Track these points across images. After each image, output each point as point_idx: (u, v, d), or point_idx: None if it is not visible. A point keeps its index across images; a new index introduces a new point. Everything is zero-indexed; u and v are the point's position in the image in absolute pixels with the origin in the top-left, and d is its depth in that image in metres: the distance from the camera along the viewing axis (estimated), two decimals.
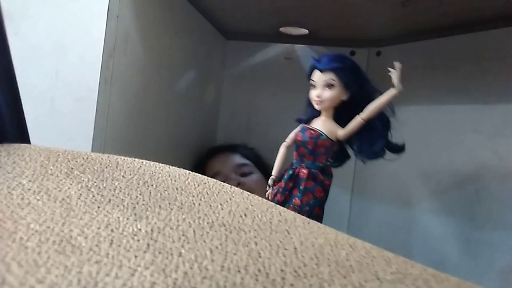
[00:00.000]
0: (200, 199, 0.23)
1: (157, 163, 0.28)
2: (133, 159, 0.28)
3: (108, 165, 0.24)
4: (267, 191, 0.48)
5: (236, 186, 0.81)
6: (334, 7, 0.78)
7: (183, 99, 0.85)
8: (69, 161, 0.23)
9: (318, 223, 0.24)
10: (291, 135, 0.49)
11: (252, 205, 0.24)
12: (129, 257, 0.15)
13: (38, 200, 0.18)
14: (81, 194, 0.20)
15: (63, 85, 0.58)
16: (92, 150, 0.58)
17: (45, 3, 0.59)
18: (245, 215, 0.22)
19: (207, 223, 0.20)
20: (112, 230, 0.17)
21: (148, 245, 0.16)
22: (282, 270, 0.16)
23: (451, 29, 0.80)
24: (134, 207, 0.20)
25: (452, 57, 0.81)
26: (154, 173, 0.25)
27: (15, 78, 0.26)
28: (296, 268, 0.16)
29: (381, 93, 0.47)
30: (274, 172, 0.48)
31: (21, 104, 0.26)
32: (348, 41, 0.95)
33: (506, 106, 0.70)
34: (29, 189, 0.19)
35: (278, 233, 0.20)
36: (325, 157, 0.45)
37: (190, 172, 0.27)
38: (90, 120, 0.58)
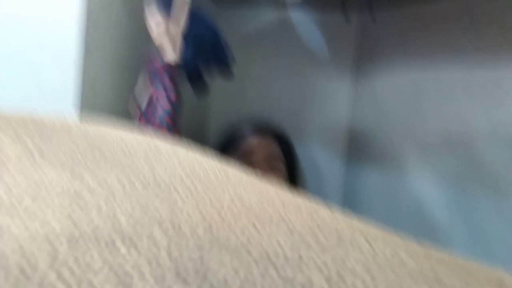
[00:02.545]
0: (146, 162, 0.24)
1: (120, 128, 0.29)
2: (96, 124, 0.29)
3: (61, 130, 0.25)
4: None
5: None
6: None
7: None
8: (19, 126, 0.24)
9: (273, 186, 0.24)
10: None
11: (201, 166, 0.25)
12: (47, 212, 0.16)
13: None
14: (21, 157, 0.20)
15: (48, 56, 0.59)
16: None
17: None
18: (187, 175, 0.23)
19: (143, 183, 0.20)
20: (40, 189, 0.18)
21: (72, 202, 0.17)
22: (197, 225, 0.17)
23: None
24: (73, 168, 0.21)
25: (445, 20, 0.79)
26: (106, 138, 0.26)
27: None
28: (213, 223, 0.17)
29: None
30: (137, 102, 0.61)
31: None
32: (343, 7, 0.93)
33: (497, 70, 0.69)
34: None
35: (212, 192, 0.21)
36: (167, 77, 0.57)
37: (150, 137, 0.28)
38: (78, 89, 0.58)
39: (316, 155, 1.01)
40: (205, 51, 0.59)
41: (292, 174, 0.86)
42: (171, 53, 0.56)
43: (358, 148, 0.97)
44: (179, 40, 0.56)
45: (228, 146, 0.86)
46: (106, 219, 0.16)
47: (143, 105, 0.59)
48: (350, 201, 0.99)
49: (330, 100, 0.99)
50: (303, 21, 0.98)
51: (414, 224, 0.83)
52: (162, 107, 0.56)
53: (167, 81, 0.57)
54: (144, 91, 0.61)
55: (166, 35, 0.57)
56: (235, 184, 0.23)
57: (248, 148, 0.82)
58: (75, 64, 0.58)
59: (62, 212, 0.16)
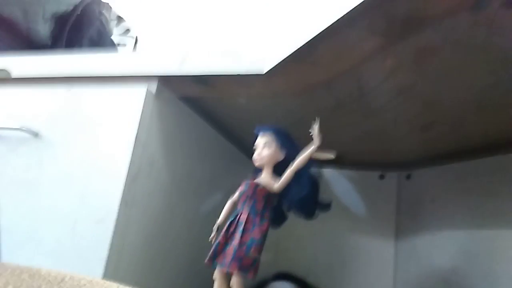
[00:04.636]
0: None
1: (104, 281, 0.28)
2: (94, 279, 0.28)
3: (52, 280, 0.25)
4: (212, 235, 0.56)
5: None
6: (358, 133, 0.80)
7: (208, 222, 0.86)
8: (12, 276, 0.24)
9: None
10: (237, 191, 0.57)
11: None
12: None
13: None
14: None
15: (87, 208, 0.62)
16: (104, 272, 0.58)
17: (81, 132, 0.66)
18: None
19: None
20: None
21: None
22: None
23: (480, 151, 0.78)
24: None
25: (485, 179, 0.77)
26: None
27: None
28: None
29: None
30: (219, 220, 0.56)
31: None
32: (377, 164, 0.95)
33: None
34: None
35: None
36: (262, 204, 0.53)
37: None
38: (107, 241, 0.59)
39: None
40: (303, 193, 0.55)
41: None
42: (276, 183, 0.54)
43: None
44: (290, 175, 0.53)
45: None
46: None
47: (225, 227, 0.54)
48: None
49: (372, 259, 0.94)
50: (339, 179, 1.00)
51: None
52: (252, 234, 0.51)
53: (263, 207, 0.53)
54: (225, 212, 0.57)
55: (273, 162, 0.55)
56: None
57: None
58: (111, 217, 0.60)
59: None
